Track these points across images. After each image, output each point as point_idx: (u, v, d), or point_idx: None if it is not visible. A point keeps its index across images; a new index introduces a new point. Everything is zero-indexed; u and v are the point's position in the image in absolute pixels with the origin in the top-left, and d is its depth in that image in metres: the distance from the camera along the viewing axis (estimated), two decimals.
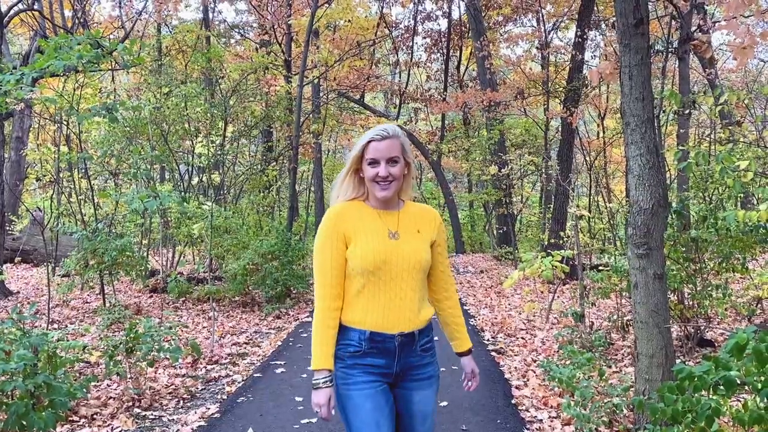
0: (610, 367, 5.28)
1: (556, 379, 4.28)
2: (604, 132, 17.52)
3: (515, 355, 6.03)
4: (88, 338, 6.90)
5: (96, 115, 6.76)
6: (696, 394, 2.46)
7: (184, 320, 8.12)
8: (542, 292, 9.78)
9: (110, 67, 14.09)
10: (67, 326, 7.53)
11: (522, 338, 6.78)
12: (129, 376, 4.93)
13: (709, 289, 5.72)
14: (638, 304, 3.80)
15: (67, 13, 15.78)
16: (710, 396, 2.43)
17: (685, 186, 8.46)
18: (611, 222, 14.78)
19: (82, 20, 14.10)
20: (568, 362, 5.28)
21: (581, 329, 6.09)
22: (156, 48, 16.49)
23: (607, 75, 3.61)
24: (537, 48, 19.85)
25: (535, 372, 5.35)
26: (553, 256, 7.12)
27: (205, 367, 5.90)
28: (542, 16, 16.28)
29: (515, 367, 5.59)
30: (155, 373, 5.54)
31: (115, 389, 5.09)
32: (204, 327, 7.77)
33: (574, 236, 7.22)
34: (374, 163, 2.13)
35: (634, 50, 3.81)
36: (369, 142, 2.13)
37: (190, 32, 15.20)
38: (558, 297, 8.89)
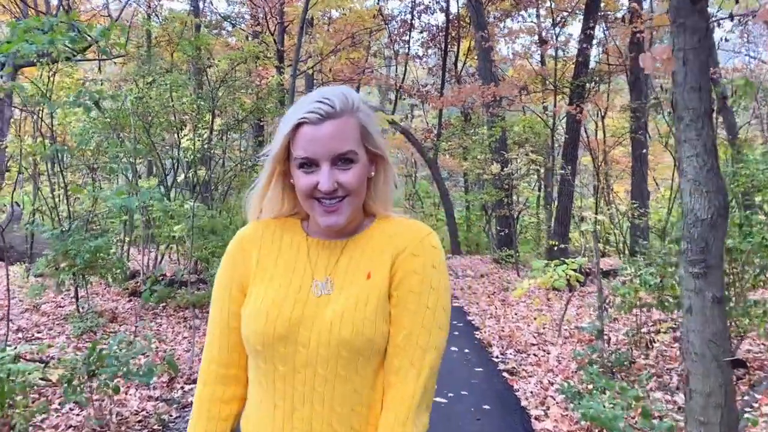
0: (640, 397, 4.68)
1: (588, 416, 3.67)
2: (604, 132, 16.95)
3: (529, 377, 5.42)
4: (56, 350, 6.23)
5: (72, 106, 6.19)
6: None
7: (163, 329, 7.47)
8: (549, 299, 9.19)
9: (91, 57, 13.40)
10: (33, 335, 6.87)
11: (534, 355, 6.17)
12: (91, 403, 4.29)
13: (748, 305, 5.15)
14: (692, 333, 3.19)
15: (53, 0, 15.15)
16: None
17: None
18: (618, 226, 14.25)
19: (66, 7, 13.41)
20: (590, 386, 4.71)
21: (600, 346, 5.50)
22: (144, 38, 15.81)
23: (665, 61, 2.99)
24: (535, 44, 19.28)
25: (554, 398, 4.75)
26: (567, 264, 6.55)
27: (182, 388, 5.25)
28: (551, 8, 15.68)
29: (531, 392, 4.98)
30: (125, 394, 4.90)
31: (77, 415, 4.45)
32: (185, 337, 7.11)
33: (593, 242, 6.63)
34: (308, 164, 1.15)
35: (691, 30, 3.17)
36: (298, 125, 1.14)
37: (179, 18, 14.51)
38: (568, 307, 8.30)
